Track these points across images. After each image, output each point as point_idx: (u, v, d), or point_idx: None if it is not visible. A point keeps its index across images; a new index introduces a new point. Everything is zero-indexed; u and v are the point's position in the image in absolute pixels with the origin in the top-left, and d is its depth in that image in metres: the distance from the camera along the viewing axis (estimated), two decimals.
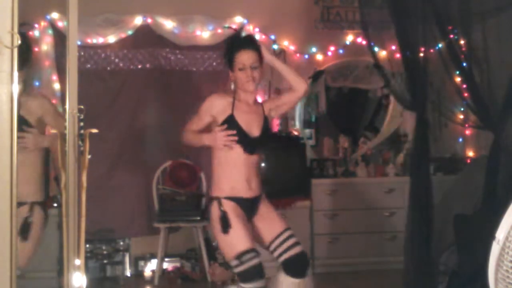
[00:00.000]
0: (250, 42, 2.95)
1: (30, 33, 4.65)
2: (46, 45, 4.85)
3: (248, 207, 2.89)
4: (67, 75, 1.79)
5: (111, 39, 4.97)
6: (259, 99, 3.21)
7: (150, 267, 4.80)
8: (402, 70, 3.55)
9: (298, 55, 5.38)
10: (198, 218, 4.67)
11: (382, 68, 3.85)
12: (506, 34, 3.90)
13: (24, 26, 2.95)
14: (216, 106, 2.89)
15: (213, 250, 4.76)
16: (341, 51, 5.45)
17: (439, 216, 3.38)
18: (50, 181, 2.99)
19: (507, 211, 1.58)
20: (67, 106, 1.79)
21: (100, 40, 4.95)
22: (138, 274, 4.87)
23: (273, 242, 2.89)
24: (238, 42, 2.97)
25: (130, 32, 5.01)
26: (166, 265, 4.83)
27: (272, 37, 5.22)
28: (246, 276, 2.70)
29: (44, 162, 2.94)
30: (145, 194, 4.96)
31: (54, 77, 4.82)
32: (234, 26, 4.98)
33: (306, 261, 2.92)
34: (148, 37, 5.04)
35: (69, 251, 1.77)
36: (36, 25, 4.83)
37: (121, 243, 4.84)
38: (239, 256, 2.69)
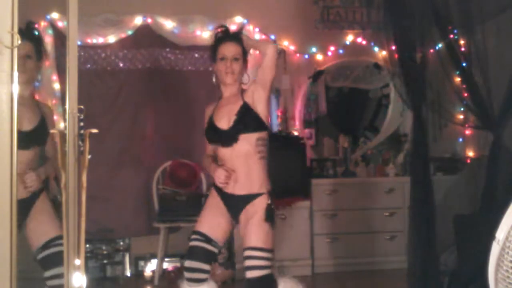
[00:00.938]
0: (232, 35, 3.02)
1: None
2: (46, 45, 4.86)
3: (232, 202, 2.89)
4: (67, 75, 1.79)
5: (111, 39, 4.97)
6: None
7: (150, 267, 4.79)
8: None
9: (298, 55, 5.38)
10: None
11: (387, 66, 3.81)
12: (506, 34, 3.90)
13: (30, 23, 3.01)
14: (207, 115, 3.00)
15: None
16: (341, 51, 5.45)
17: (439, 216, 3.38)
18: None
19: (507, 211, 1.58)
20: (67, 106, 1.79)
21: (100, 40, 4.95)
22: (138, 274, 4.87)
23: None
24: (222, 34, 3.00)
25: (130, 32, 5.01)
26: (166, 265, 4.82)
27: (272, 37, 5.22)
28: (187, 253, 2.94)
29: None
30: (145, 194, 4.96)
31: (54, 77, 4.82)
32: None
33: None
34: (148, 37, 5.04)
35: (69, 251, 1.77)
36: (36, 25, 4.82)
37: (121, 243, 4.84)
38: (192, 234, 2.95)
